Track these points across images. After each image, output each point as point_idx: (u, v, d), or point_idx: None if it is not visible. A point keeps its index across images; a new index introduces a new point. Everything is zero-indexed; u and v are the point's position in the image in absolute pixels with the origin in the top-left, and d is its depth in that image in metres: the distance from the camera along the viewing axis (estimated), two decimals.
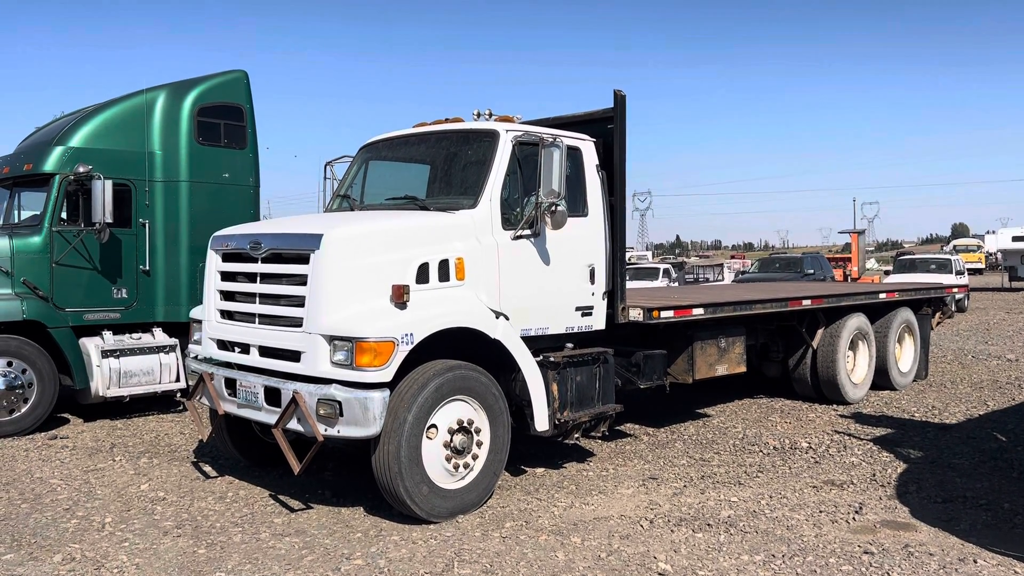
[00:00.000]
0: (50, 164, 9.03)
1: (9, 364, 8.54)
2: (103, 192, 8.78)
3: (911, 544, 5.29)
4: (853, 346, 10.36)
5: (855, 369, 10.39)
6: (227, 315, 6.39)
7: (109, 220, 8.88)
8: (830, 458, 7.53)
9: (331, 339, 5.51)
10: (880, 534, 5.52)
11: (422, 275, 5.88)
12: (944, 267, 26.34)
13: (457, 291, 6.04)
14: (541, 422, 6.35)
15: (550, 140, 6.32)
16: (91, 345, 9.05)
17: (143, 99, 9.68)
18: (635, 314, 7.30)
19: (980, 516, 5.84)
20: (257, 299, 6.15)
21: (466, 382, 5.88)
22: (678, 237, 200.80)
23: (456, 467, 5.84)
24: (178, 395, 9.61)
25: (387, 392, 5.46)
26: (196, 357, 6.77)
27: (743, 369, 8.70)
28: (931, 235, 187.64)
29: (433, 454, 5.70)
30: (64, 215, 9.04)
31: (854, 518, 5.84)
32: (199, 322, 6.69)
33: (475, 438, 5.96)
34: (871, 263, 50.56)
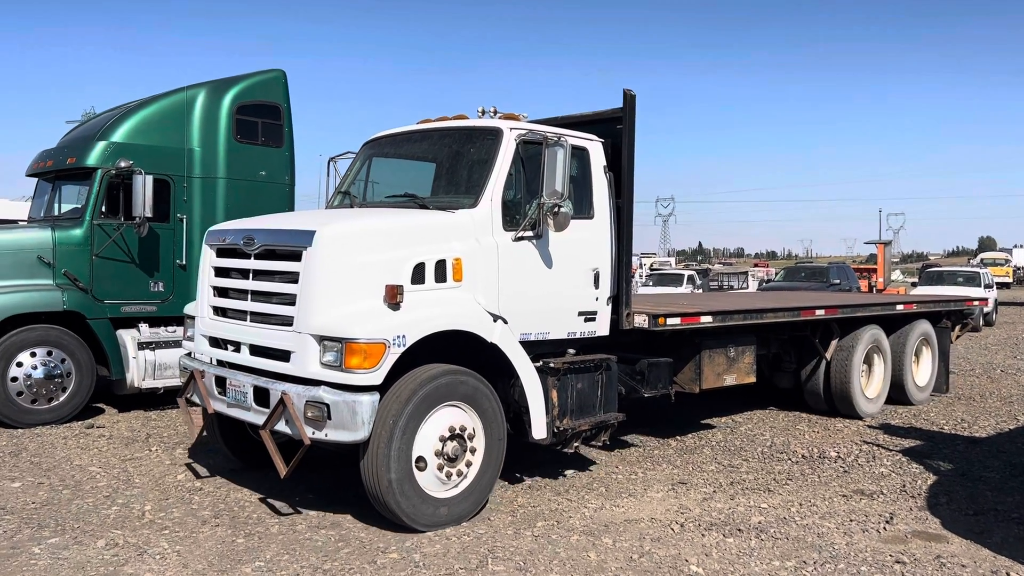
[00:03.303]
0: (93, 158, 9.21)
1: (49, 353, 8.72)
2: (143, 187, 8.94)
3: (943, 555, 5.30)
4: (868, 359, 10.09)
5: (870, 383, 10.14)
6: (220, 312, 6.23)
7: (148, 215, 9.04)
8: (859, 468, 7.52)
9: (321, 339, 5.33)
10: (911, 544, 5.53)
11: (417, 275, 5.71)
12: (972, 280, 26.06)
13: (454, 292, 5.87)
14: (539, 430, 6.16)
15: (554, 139, 6.11)
16: (128, 337, 9.22)
17: (183, 96, 9.84)
18: (640, 320, 7.09)
19: (1012, 529, 5.83)
20: (249, 296, 5.96)
21: (460, 387, 5.68)
22: (700, 244, 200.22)
23: (448, 475, 5.63)
24: None
25: (377, 396, 5.28)
26: (189, 354, 6.63)
27: (753, 379, 8.50)
28: (957, 248, 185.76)
29: (425, 462, 5.51)
30: (105, 209, 9.22)
31: (885, 528, 5.85)
32: (193, 318, 6.54)
33: (468, 445, 5.75)
34: (896, 274, 50.15)
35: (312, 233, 5.50)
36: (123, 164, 9.08)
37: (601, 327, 6.90)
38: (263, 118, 10.23)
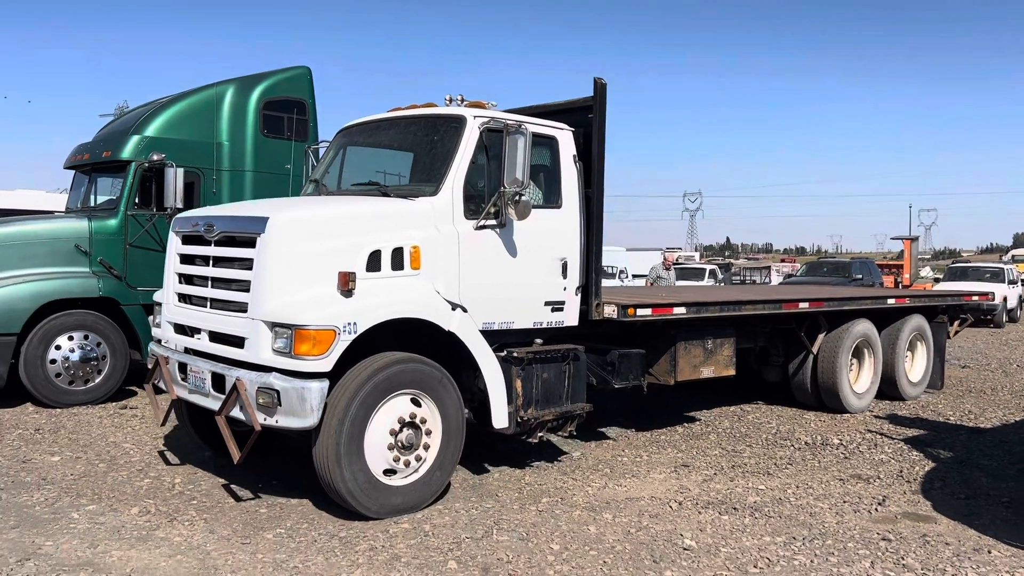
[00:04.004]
0: (127, 152, 9.65)
1: (86, 337, 9.18)
2: (175, 179, 9.36)
3: (929, 534, 5.54)
4: (857, 353, 9.96)
5: (859, 377, 10.01)
6: (184, 298, 6.23)
7: (179, 206, 9.43)
8: (860, 455, 7.75)
9: (272, 325, 5.32)
10: (900, 524, 5.77)
11: (373, 263, 5.66)
12: (997, 276, 25.96)
13: (410, 280, 5.82)
14: (499, 419, 6.12)
15: (515, 127, 6.02)
16: None
17: (213, 92, 10.26)
18: (610, 311, 7.02)
19: (1001, 512, 6.04)
20: (209, 283, 5.97)
21: (416, 375, 5.64)
22: (728, 239, 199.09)
23: (404, 463, 5.61)
24: None
25: (326, 383, 5.25)
26: (158, 340, 6.64)
27: (731, 372, 8.34)
28: (991, 244, 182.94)
29: (376, 449, 5.47)
30: (138, 200, 9.65)
31: (876, 509, 6.09)
32: (161, 305, 6.57)
33: (424, 433, 5.72)
34: (926, 271, 49.75)
35: (265, 220, 5.50)
36: (155, 157, 9.50)
37: (570, 317, 6.85)
38: (289, 113, 10.62)
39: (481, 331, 6.11)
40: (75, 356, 9.08)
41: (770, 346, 9.67)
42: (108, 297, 9.33)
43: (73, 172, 10.85)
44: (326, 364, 5.22)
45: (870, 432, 8.72)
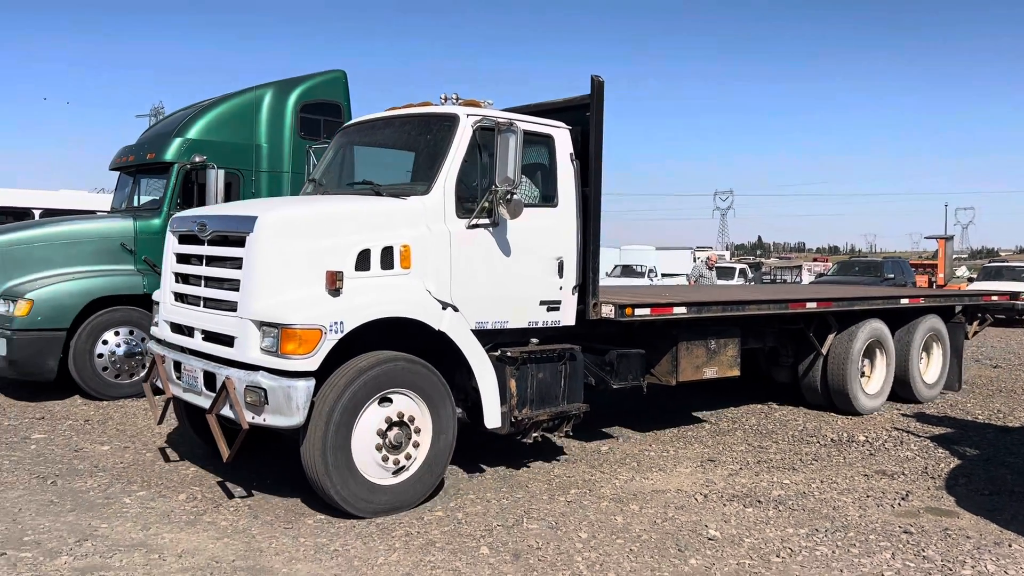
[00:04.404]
0: (170, 154, 10.00)
1: (131, 333, 9.53)
2: (216, 180, 9.65)
3: (951, 528, 5.65)
4: (869, 354, 9.76)
5: (871, 379, 9.85)
6: (180, 297, 6.26)
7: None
8: (885, 451, 7.85)
9: (260, 324, 5.34)
10: (922, 518, 5.88)
11: (362, 262, 5.66)
12: None
13: (400, 280, 5.80)
14: (492, 419, 6.10)
15: (506, 125, 5.96)
16: None
17: (252, 96, 10.58)
18: (607, 311, 6.94)
19: None
20: (203, 282, 6.00)
21: (405, 375, 5.63)
22: (760, 238, 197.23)
23: (393, 463, 5.62)
24: None
25: (312, 382, 5.25)
26: (156, 339, 6.66)
27: (736, 373, 8.20)
28: None
29: (364, 448, 5.48)
30: (180, 200, 9.98)
31: (899, 503, 6.21)
32: (158, 304, 6.61)
33: (413, 433, 5.72)
34: (962, 270, 49.08)
35: (254, 219, 5.53)
36: (197, 159, 9.83)
37: (566, 317, 6.79)
38: (325, 116, 10.91)
39: (474, 331, 6.09)
40: (121, 351, 9.43)
41: (779, 346, 9.57)
42: (152, 294, 9.66)
43: (118, 173, 11.22)
44: (312, 363, 5.23)
45: (896, 430, 8.79)
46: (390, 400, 5.61)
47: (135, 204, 10.64)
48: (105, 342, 9.35)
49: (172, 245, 6.39)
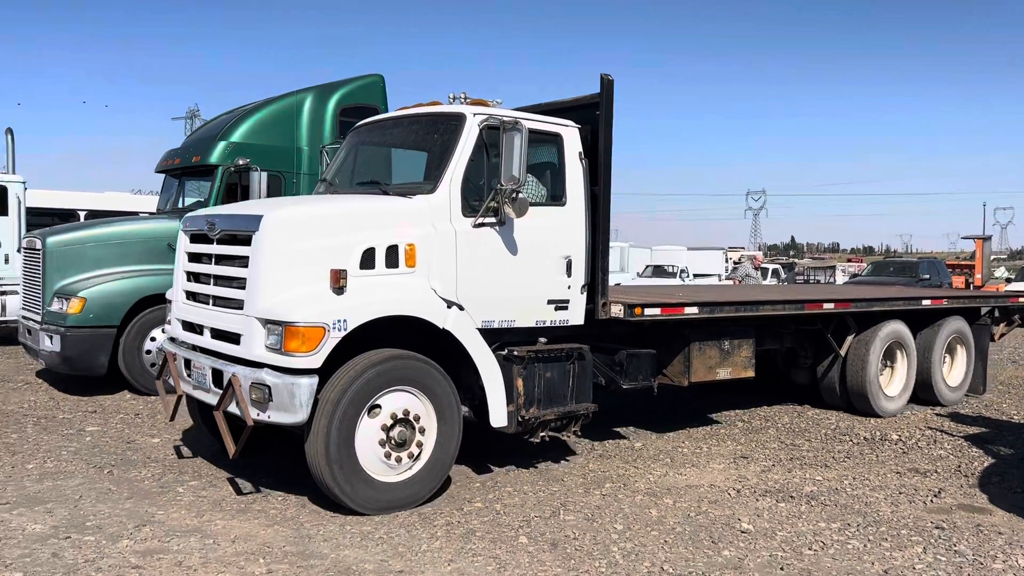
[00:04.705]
0: (215, 157, 10.31)
1: None
2: (259, 183, 9.93)
3: (983, 524, 5.72)
4: (889, 355, 9.66)
5: (892, 380, 9.72)
6: (191, 296, 6.33)
7: None
8: (918, 450, 7.90)
9: (265, 322, 5.40)
10: (955, 515, 5.95)
11: (367, 260, 5.70)
12: None
13: (404, 278, 5.83)
14: (497, 417, 6.10)
15: (511, 123, 5.95)
16: None
17: (294, 100, 10.88)
18: (616, 310, 6.90)
19: None
20: (212, 280, 6.07)
21: (409, 372, 5.66)
22: (793, 238, 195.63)
23: (397, 459, 5.66)
24: None
25: (315, 379, 5.30)
26: (170, 337, 6.76)
27: (750, 374, 8.11)
28: None
29: (368, 445, 5.52)
30: (224, 202, 10.27)
31: (932, 500, 6.28)
32: (171, 302, 6.70)
33: (418, 431, 5.75)
34: (1000, 271, 48.28)
35: (259, 218, 5.60)
36: (241, 162, 10.13)
37: (575, 316, 6.77)
38: (364, 119, 11.12)
39: (481, 329, 6.11)
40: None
41: (798, 347, 9.50)
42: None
43: (164, 175, 11.58)
44: (315, 361, 5.28)
45: (930, 429, 8.83)
46: (394, 398, 5.64)
47: (181, 206, 10.97)
48: (153, 339, 9.67)
49: (184, 244, 6.47)
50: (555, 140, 6.72)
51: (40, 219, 15.04)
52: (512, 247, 6.32)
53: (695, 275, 33.04)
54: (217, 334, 5.89)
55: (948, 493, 6.46)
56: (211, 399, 5.82)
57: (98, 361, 9.39)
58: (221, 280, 5.97)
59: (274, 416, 5.31)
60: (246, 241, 5.67)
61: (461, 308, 6.00)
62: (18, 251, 13.31)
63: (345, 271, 5.54)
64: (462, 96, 6.72)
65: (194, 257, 6.35)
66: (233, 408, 5.55)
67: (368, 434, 5.54)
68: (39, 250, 10.04)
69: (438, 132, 6.45)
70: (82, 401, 9.27)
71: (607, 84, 6.76)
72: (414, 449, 5.75)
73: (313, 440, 5.39)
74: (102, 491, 6.01)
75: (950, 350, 10.57)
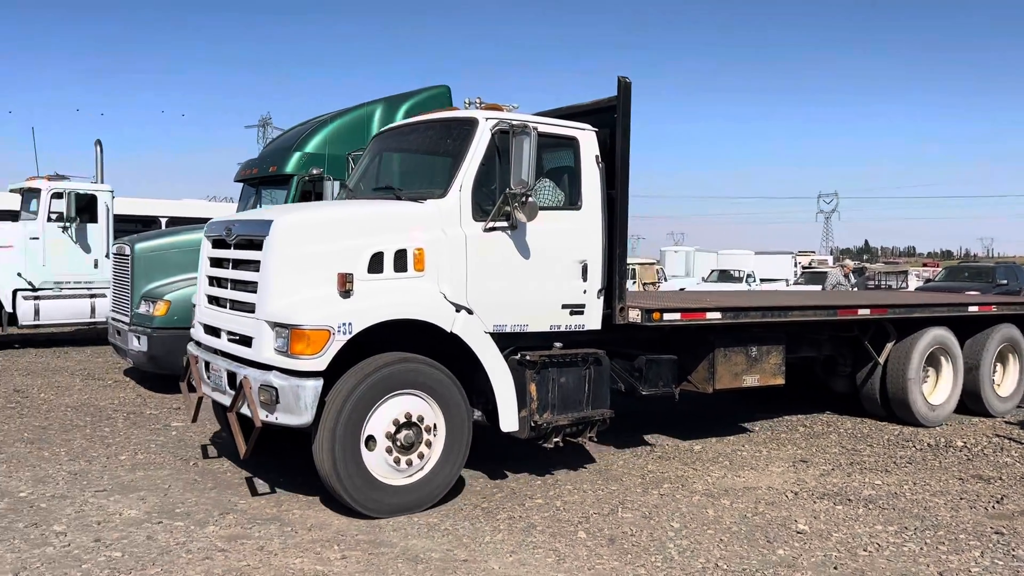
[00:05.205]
0: (290, 167, 10.81)
1: None
2: (332, 192, 10.36)
3: None
4: (933, 363, 9.41)
5: (936, 390, 9.46)
6: (212, 300, 6.45)
7: None
8: (983, 457, 7.84)
9: (273, 325, 5.49)
10: (1016, 521, 5.94)
11: (375, 265, 5.73)
12: None
13: (413, 282, 5.85)
14: (507, 422, 6.10)
15: (520, 127, 5.94)
16: None
17: (364, 111, 11.32)
18: (634, 315, 6.84)
19: None
20: (229, 284, 6.19)
21: (415, 376, 5.69)
22: (867, 242, 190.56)
23: (405, 463, 5.69)
24: None
25: (320, 381, 5.36)
26: (194, 340, 6.88)
27: (780, 381, 7.96)
28: None
29: (374, 448, 5.59)
30: None
31: (993, 507, 6.27)
32: (196, 306, 6.83)
33: (424, 434, 5.76)
34: None
35: (270, 223, 5.69)
36: (315, 171, 10.59)
37: (591, 321, 6.69)
38: None
39: (492, 333, 6.11)
40: None
41: (837, 354, 9.28)
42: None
43: (242, 184, 12.15)
44: (320, 363, 5.34)
45: (998, 436, 8.73)
46: (400, 401, 5.69)
47: None
48: None
49: (206, 249, 6.58)
50: (571, 144, 6.70)
51: (125, 226, 15.91)
52: (524, 251, 6.29)
53: (761, 280, 32.71)
54: (233, 337, 6.01)
55: (1011, 500, 6.44)
56: (226, 400, 5.96)
57: (181, 361, 9.92)
58: (237, 284, 6.09)
59: (281, 418, 5.41)
60: (258, 246, 5.77)
61: (470, 312, 6.00)
62: (107, 256, 14.14)
63: (352, 275, 5.60)
64: (477, 101, 6.79)
65: (215, 262, 6.47)
66: (245, 409, 5.68)
67: (374, 437, 5.60)
68: (127, 256, 10.69)
69: (451, 137, 6.48)
70: (167, 398, 9.83)
71: (624, 87, 6.74)
72: (422, 451, 5.78)
73: (319, 442, 5.47)
74: (188, 481, 6.45)
75: (1001, 359, 10.24)
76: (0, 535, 5.16)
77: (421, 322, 5.77)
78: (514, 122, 6.06)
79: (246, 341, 5.76)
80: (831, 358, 9.34)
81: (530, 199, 5.98)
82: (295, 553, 4.98)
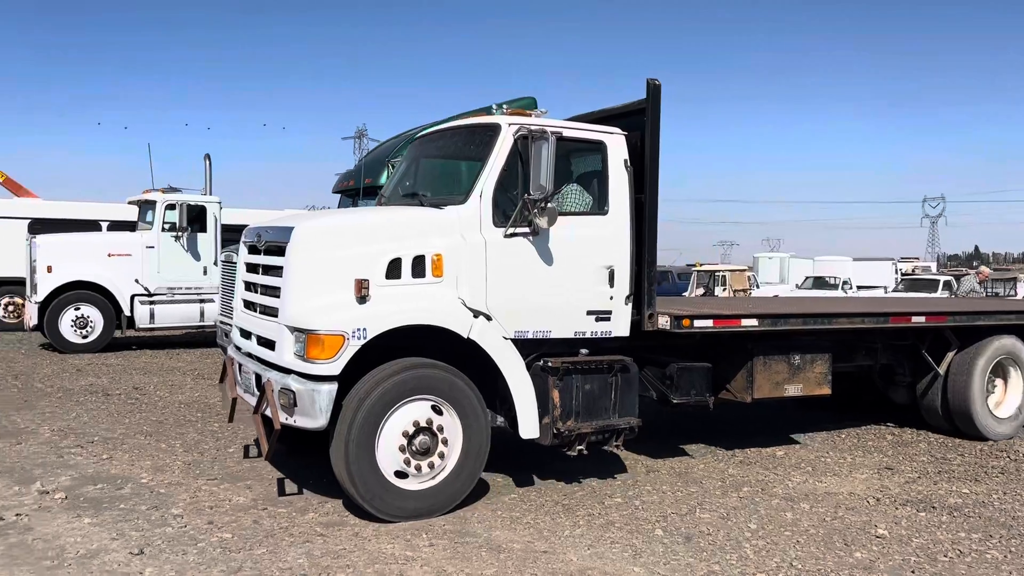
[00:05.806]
0: (384, 178, 11.30)
1: None
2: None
3: None
4: (1002, 372, 8.94)
5: (1004, 401, 8.95)
6: (248, 305, 6.56)
7: None
8: None
9: (292, 330, 5.59)
10: None
11: (393, 270, 5.77)
12: None
13: (431, 288, 5.86)
14: (527, 428, 6.06)
15: (539, 133, 5.92)
16: None
17: None
18: (663, 322, 6.68)
19: None
20: (259, 289, 6.32)
21: (431, 381, 5.71)
22: (976, 248, 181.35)
23: (418, 468, 5.69)
24: None
25: (335, 386, 5.43)
26: (233, 344, 7.00)
27: (826, 391, 7.68)
28: None
29: (389, 453, 5.59)
30: None
31: None
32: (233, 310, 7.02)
33: (440, 439, 5.76)
34: None
35: (291, 229, 5.82)
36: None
37: (618, 328, 6.57)
38: None
39: (514, 340, 6.08)
40: None
41: (895, 364, 8.92)
42: None
43: (339, 196, 12.76)
44: (334, 368, 5.42)
45: None
46: (417, 406, 5.71)
47: None
48: None
49: (242, 255, 6.75)
50: (599, 148, 6.61)
51: (233, 235, 16.81)
52: (547, 257, 6.24)
53: (859, 287, 31.78)
54: (261, 340, 6.15)
55: None
56: (253, 402, 6.15)
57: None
58: (265, 289, 6.21)
59: (299, 421, 5.51)
60: (283, 251, 5.88)
61: (489, 318, 5.99)
62: (215, 264, 15.04)
63: (368, 280, 5.64)
64: (504, 106, 6.74)
65: (250, 267, 6.59)
66: (268, 411, 5.80)
67: (389, 442, 5.61)
68: (235, 263, 11.37)
69: (475, 143, 6.51)
70: None
71: (653, 89, 6.67)
72: (437, 458, 5.77)
73: (335, 445, 5.56)
74: (290, 472, 6.92)
75: None
76: (125, 516, 5.72)
77: (438, 328, 5.80)
78: (533, 127, 6.07)
79: (271, 344, 5.91)
80: (888, 367, 8.98)
81: (549, 204, 5.98)
82: (387, 540, 5.34)
